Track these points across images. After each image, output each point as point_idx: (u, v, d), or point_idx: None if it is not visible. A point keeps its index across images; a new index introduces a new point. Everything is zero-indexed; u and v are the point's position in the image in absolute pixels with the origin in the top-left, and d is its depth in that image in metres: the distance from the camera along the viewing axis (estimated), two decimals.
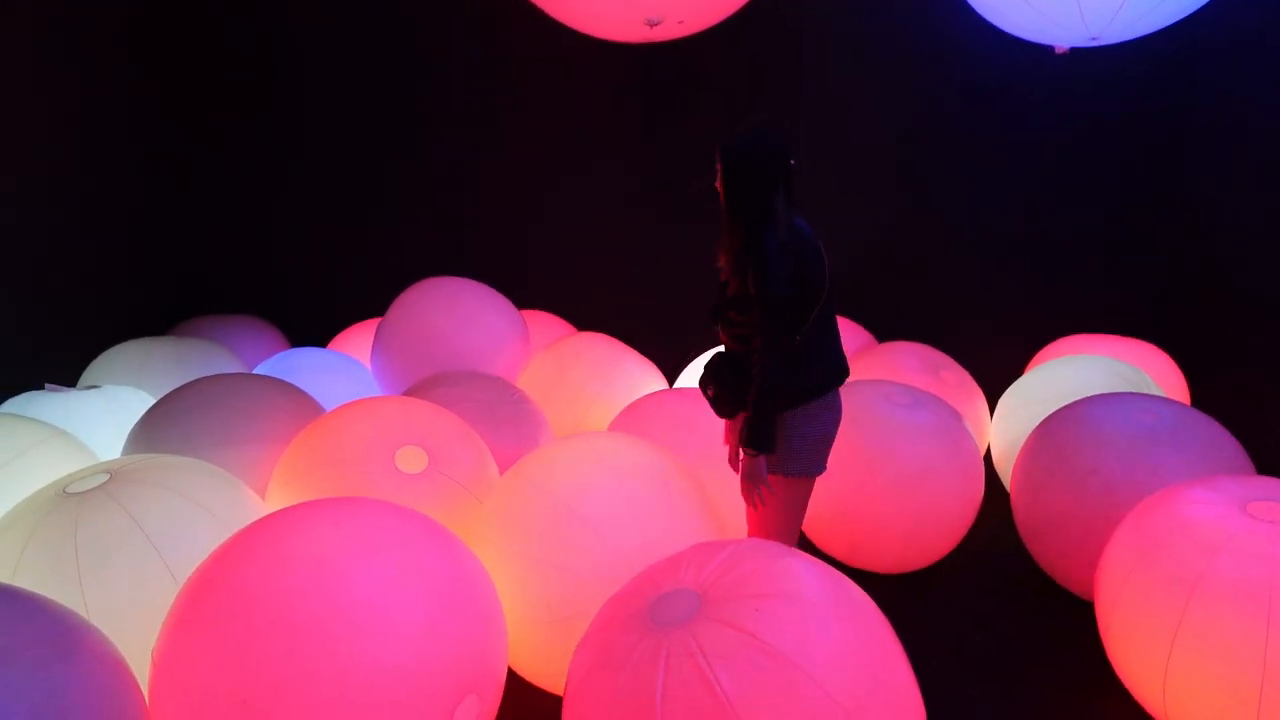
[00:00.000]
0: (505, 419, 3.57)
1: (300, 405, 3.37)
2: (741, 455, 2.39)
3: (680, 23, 3.85)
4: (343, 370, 4.25)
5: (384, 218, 5.76)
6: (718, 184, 2.42)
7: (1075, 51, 4.00)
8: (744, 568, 1.87)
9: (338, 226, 5.79)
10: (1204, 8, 3.63)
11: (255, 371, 4.20)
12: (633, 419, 3.33)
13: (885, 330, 5.05)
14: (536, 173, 5.61)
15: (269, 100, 5.75)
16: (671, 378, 4.68)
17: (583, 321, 5.23)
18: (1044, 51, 4.03)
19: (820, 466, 2.43)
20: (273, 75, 5.71)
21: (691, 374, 4.28)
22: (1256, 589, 2.08)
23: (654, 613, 1.84)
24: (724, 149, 2.39)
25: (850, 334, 4.93)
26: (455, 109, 5.60)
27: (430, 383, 3.68)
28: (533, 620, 2.18)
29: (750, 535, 2.51)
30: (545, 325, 4.97)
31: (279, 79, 5.72)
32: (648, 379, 4.24)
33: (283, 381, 3.46)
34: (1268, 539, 2.15)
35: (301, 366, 4.15)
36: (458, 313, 4.11)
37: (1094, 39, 3.82)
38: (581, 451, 2.38)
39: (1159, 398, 3.13)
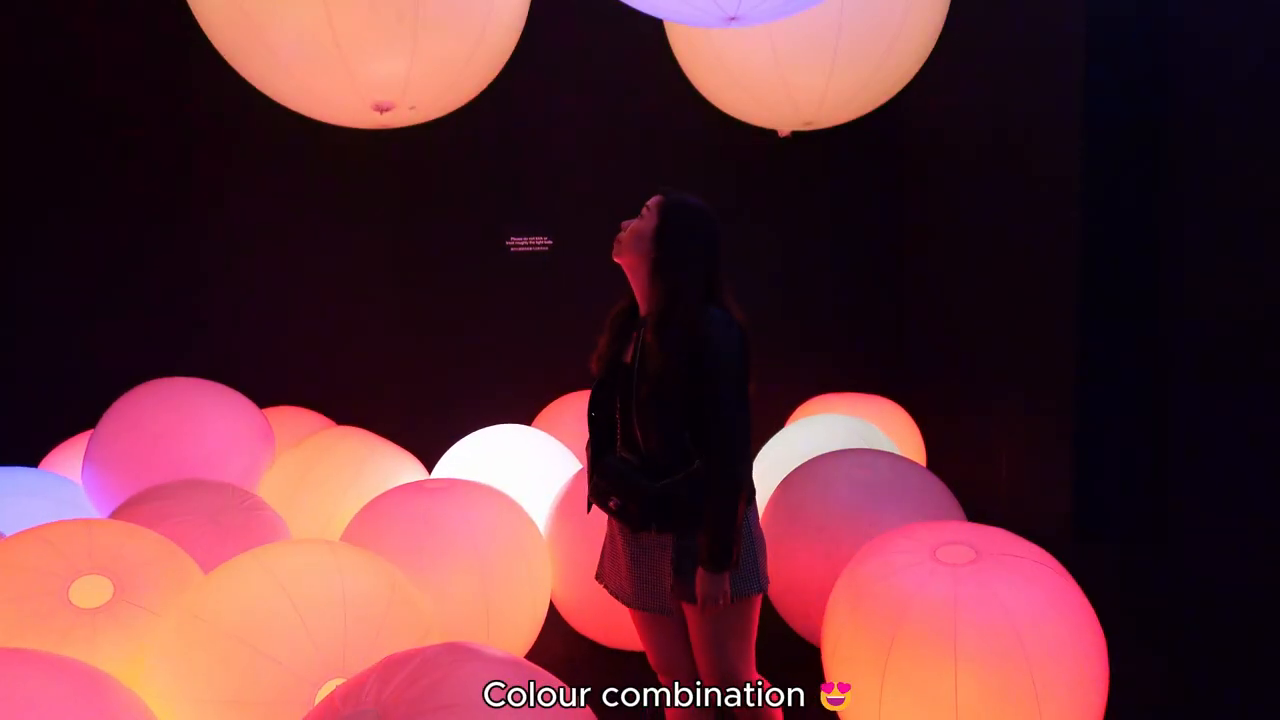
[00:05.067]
0: (232, 529, 3.25)
1: None
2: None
3: (412, 109, 3.82)
4: (46, 492, 3.73)
5: (111, 315, 5.23)
6: (630, 233, 2.15)
7: (796, 134, 4.36)
8: (430, 677, 1.74)
9: (52, 327, 5.19)
10: (906, 87, 4.06)
11: None
12: (370, 518, 3.14)
13: None
14: (282, 261, 5.35)
15: None
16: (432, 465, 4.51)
17: (346, 417, 4.96)
18: (769, 134, 4.36)
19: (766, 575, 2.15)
20: None
21: (451, 463, 4.12)
22: (943, 632, 2.21)
23: None
24: (671, 200, 2.16)
25: None
26: (178, 199, 5.25)
27: (144, 497, 3.30)
28: None
29: (706, 676, 2.14)
30: (297, 421, 4.66)
31: None
32: (404, 471, 4.04)
33: None
34: (951, 581, 2.29)
35: None
36: (180, 415, 3.76)
37: (808, 124, 4.18)
38: (251, 570, 2.18)
39: (877, 451, 3.35)
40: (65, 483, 3.90)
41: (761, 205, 5.58)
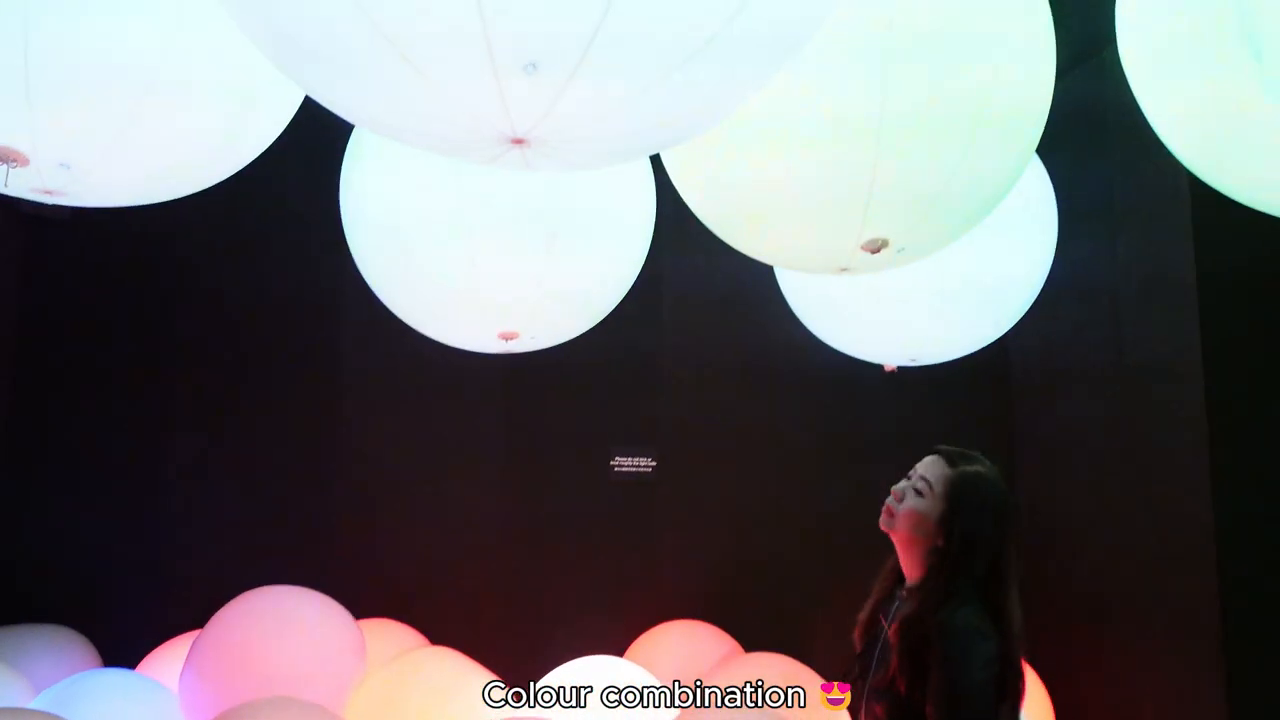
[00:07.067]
0: None
1: None
2: None
3: (533, 338, 4.05)
4: (143, 698, 3.72)
5: (221, 514, 5.40)
6: (907, 512, 1.83)
7: (901, 369, 4.41)
8: None
9: (164, 524, 5.33)
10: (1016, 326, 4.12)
11: (34, 702, 3.64)
12: None
13: (754, 640, 4.88)
14: (393, 473, 5.50)
15: (92, 379, 5.49)
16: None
17: (440, 634, 4.87)
18: (875, 367, 4.42)
19: None
20: (113, 362, 5.56)
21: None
22: None
23: None
24: (962, 476, 1.79)
25: (717, 642, 4.76)
26: (298, 404, 5.49)
27: (234, 714, 3.25)
28: None
29: None
30: (392, 635, 4.60)
31: (114, 363, 5.56)
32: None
33: (49, 715, 2.98)
34: None
35: (92, 693, 3.61)
36: (277, 627, 3.76)
37: (913, 360, 4.25)
38: None
39: None
40: (161, 690, 3.89)
41: (870, 438, 5.52)
